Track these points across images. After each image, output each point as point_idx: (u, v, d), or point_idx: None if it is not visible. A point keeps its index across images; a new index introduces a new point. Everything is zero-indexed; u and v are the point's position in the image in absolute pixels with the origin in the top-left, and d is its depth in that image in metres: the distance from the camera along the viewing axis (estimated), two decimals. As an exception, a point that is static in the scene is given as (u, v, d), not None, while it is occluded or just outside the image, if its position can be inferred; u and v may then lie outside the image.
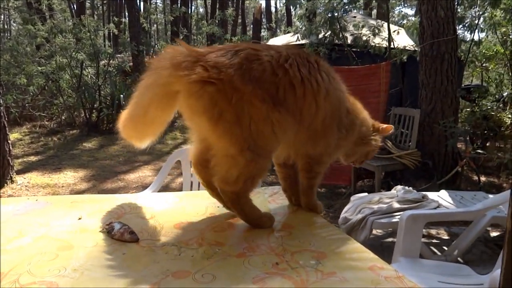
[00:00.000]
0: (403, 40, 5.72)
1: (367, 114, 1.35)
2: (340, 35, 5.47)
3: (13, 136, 6.51)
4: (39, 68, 7.67)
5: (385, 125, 1.35)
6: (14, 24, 19.80)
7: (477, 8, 5.89)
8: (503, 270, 0.95)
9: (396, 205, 2.58)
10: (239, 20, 19.37)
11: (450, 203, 2.75)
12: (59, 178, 4.73)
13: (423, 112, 4.09)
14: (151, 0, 21.75)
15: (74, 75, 7.87)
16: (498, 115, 4.61)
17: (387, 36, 5.18)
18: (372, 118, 1.37)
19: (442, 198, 2.83)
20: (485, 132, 4.73)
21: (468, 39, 6.22)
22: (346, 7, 5.82)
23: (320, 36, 5.60)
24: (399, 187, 2.92)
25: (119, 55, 9.25)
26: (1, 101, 4.33)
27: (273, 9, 25.39)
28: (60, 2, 11.40)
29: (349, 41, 5.51)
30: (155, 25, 21.91)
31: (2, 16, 19.66)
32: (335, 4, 5.60)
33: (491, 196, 2.80)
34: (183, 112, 1.08)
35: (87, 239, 1.05)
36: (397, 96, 4.95)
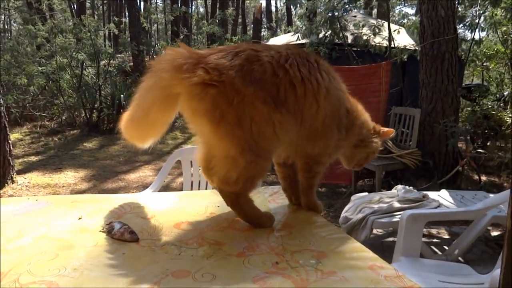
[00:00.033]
0: (403, 40, 5.72)
1: (368, 117, 1.34)
2: (341, 35, 5.47)
3: (13, 136, 6.52)
4: (40, 68, 7.68)
5: (386, 129, 1.35)
6: (15, 24, 19.82)
7: (478, 7, 5.88)
8: (502, 269, 0.95)
9: (397, 205, 2.58)
10: (240, 20, 19.38)
11: (451, 203, 2.75)
12: (60, 178, 4.73)
13: (424, 111, 4.09)
14: (151, 0, 21.76)
15: (74, 75, 7.88)
16: (499, 114, 4.61)
17: (387, 35, 5.18)
18: (373, 117, 1.37)
19: (443, 197, 2.83)
20: (486, 131, 4.72)
21: (468, 38, 6.23)
22: (347, 6, 5.81)
23: (321, 35, 5.59)
24: (399, 186, 2.92)
25: (119, 55, 9.25)
26: (2, 101, 4.33)
27: (273, 9, 25.41)
28: (60, 2, 11.42)
29: (349, 41, 5.50)
30: (156, 25, 21.91)
31: (3, 16, 19.67)
32: (335, 3, 5.60)
33: (491, 195, 2.80)
34: (185, 114, 1.08)
35: (87, 238, 1.05)
36: (397, 96, 4.95)
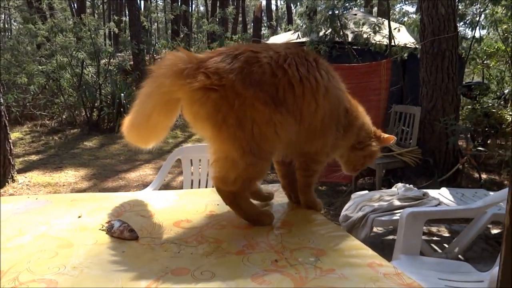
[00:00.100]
0: (403, 38, 5.71)
1: (369, 120, 1.33)
2: (341, 33, 5.47)
3: (14, 135, 6.53)
4: (40, 67, 7.68)
5: (386, 135, 1.34)
6: (15, 23, 19.82)
7: (478, 5, 5.88)
8: (501, 266, 0.95)
9: (397, 203, 2.58)
10: (240, 18, 19.38)
11: (451, 201, 2.75)
12: (60, 177, 4.74)
13: (424, 109, 4.09)
14: (151, -1, 21.72)
15: (74, 74, 7.89)
16: (499, 112, 4.61)
17: (387, 33, 5.18)
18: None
19: (443, 195, 2.83)
20: (486, 129, 4.72)
21: (469, 36, 6.23)
22: (347, 4, 5.80)
23: (321, 34, 5.59)
24: (399, 184, 2.92)
25: (119, 54, 9.26)
26: (2, 100, 4.33)
27: (273, 7, 25.43)
28: (60, 1, 11.43)
29: (349, 39, 5.50)
30: (156, 24, 21.91)
31: (3, 15, 19.67)
32: (335, 1, 5.60)
33: (492, 193, 2.80)
34: (186, 118, 1.09)
35: (87, 237, 1.05)
36: (397, 94, 4.95)
